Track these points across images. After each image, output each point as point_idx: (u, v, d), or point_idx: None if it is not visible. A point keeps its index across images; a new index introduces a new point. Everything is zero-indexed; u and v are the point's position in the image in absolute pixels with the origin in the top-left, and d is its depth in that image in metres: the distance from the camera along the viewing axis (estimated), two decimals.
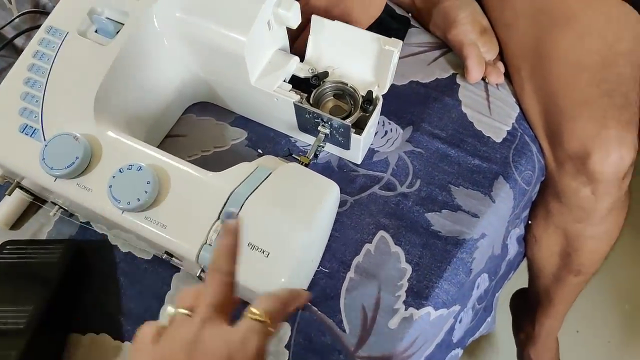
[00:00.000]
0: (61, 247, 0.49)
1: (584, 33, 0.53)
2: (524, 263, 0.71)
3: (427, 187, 0.52)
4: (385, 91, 0.49)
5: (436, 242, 0.49)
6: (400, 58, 0.53)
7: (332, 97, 0.49)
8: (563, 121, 0.53)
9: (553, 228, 0.62)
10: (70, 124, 0.43)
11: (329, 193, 0.42)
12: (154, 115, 0.52)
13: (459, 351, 0.57)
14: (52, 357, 0.46)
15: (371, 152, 0.54)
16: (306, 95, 0.48)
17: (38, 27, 0.47)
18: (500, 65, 0.59)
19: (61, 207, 0.51)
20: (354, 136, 0.47)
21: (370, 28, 0.55)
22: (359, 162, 0.53)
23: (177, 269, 0.49)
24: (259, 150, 0.54)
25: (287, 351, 0.45)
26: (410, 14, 0.65)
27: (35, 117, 0.43)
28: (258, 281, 0.38)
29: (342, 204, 0.50)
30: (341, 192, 0.45)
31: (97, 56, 0.44)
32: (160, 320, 0.29)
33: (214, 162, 0.53)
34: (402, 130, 0.55)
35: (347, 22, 0.47)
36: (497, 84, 0.59)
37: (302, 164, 0.45)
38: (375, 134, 0.54)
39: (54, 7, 0.47)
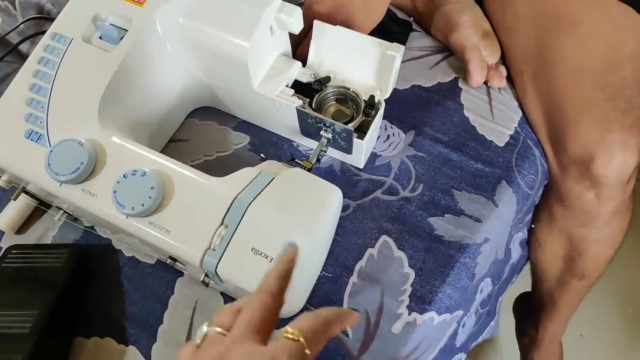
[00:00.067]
0: (66, 251, 0.49)
1: (586, 36, 0.53)
2: (528, 267, 0.70)
3: (429, 191, 0.52)
4: (387, 96, 0.49)
5: (439, 246, 0.49)
6: (401, 62, 0.53)
7: (334, 102, 0.49)
8: (566, 125, 0.53)
9: (557, 232, 0.61)
10: (75, 129, 0.43)
11: (332, 198, 0.42)
12: (158, 120, 0.52)
13: (462, 356, 0.57)
14: None
15: (373, 156, 0.54)
16: (308, 100, 0.48)
17: (43, 33, 0.48)
18: (503, 69, 0.59)
19: (66, 212, 0.52)
20: (356, 141, 0.47)
21: (372, 32, 0.55)
22: (361, 167, 0.53)
23: (181, 274, 0.49)
24: (262, 155, 0.54)
25: None
26: (411, 18, 0.65)
27: (41, 122, 0.44)
28: None
29: (344, 208, 0.51)
30: (344, 197, 0.45)
31: (101, 62, 0.45)
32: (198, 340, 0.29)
33: (217, 166, 0.53)
34: (404, 135, 0.55)
35: (349, 28, 0.48)
36: (499, 88, 0.59)
37: (304, 169, 0.45)
38: (378, 138, 0.54)
39: (59, 13, 0.47)
